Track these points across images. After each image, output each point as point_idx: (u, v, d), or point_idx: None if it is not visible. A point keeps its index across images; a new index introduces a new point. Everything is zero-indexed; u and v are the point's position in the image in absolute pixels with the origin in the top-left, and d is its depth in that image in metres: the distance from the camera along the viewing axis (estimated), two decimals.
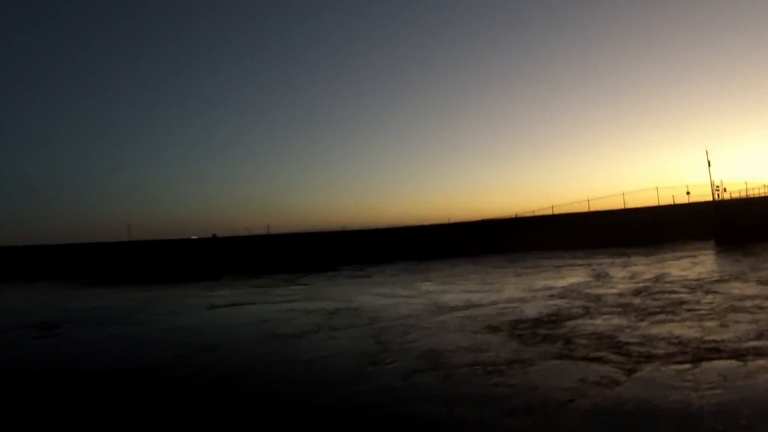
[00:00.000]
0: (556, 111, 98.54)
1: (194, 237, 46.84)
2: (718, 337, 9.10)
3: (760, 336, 9.03)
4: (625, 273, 20.57)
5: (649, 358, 8.14)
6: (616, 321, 11.25)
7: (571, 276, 20.71)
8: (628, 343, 9.09)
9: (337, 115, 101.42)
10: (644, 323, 10.84)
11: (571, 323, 11.31)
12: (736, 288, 14.84)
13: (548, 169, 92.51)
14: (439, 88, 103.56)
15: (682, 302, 13.02)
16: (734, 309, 11.67)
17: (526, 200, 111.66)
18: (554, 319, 11.92)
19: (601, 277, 19.83)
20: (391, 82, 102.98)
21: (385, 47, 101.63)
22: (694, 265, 21.94)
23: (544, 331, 10.70)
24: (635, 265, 23.52)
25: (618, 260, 26.28)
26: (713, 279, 17.19)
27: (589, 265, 24.78)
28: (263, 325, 13.86)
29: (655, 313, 11.80)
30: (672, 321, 10.85)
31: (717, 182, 40.04)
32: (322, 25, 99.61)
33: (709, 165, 39.83)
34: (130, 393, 8.22)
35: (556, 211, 47.57)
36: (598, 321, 11.40)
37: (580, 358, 8.44)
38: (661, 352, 8.43)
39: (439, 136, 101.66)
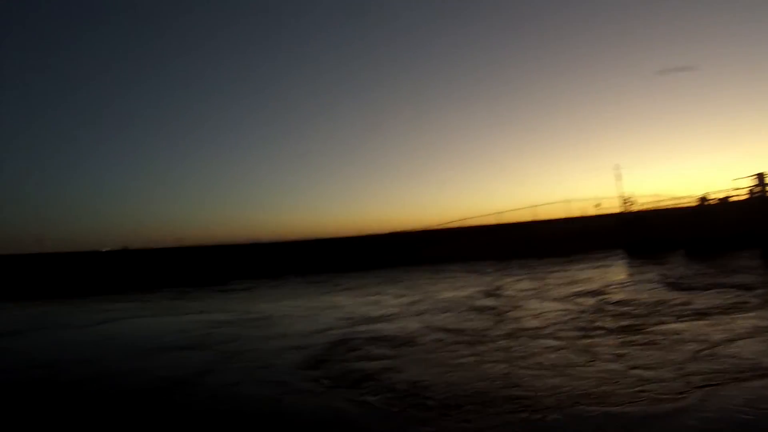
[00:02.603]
0: (470, 127, 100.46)
1: (105, 249, 45.54)
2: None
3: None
4: (517, 287, 20.59)
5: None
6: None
7: (468, 288, 21.04)
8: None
9: (240, 128, 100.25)
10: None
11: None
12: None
13: (460, 184, 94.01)
14: (352, 102, 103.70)
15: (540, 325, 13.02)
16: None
17: (438, 214, 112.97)
18: (422, 340, 11.79)
19: (491, 291, 19.67)
20: (300, 95, 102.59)
21: (287, 59, 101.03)
22: (594, 278, 21.91)
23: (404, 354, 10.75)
24: (531, 278, 23.61)
25: (520, 272, 26.60)
26: (610, 293, 16.80)
27: (498, 276, 25.28)
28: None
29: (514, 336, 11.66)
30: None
31: (627, 195, 41.51)
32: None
33: (619, 179, 41.37)
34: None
35: (468, 224, 48.14)
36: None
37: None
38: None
39: (352, 151, 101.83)
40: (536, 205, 47.80)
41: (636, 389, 7.09)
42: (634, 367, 8.08)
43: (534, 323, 12.41)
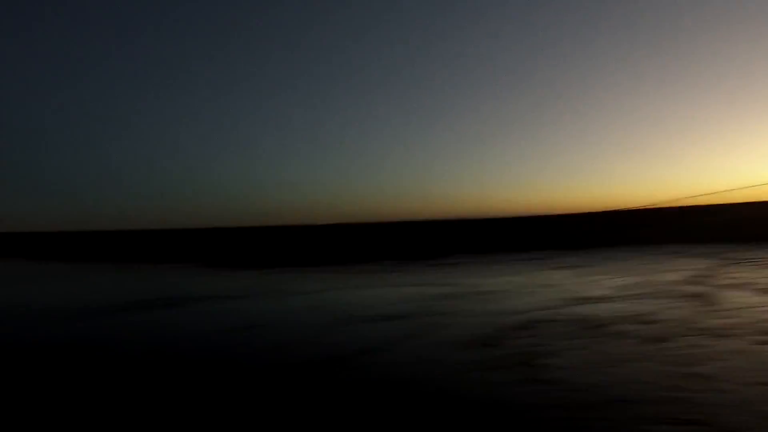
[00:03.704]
0: (688, 102, 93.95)
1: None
2: None
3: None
4: (732, 275, 19.05)
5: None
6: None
7: (684, 271, 20.40)
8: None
9: (471, 109, 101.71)
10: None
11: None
12: None
13: (673, 161, 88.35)
14: (562, 80, 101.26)
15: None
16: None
17: (650, 192, 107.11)
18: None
19: (701, 278, 18.59)
20: (517, 77, 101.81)
21: (506, 41, 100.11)
22: None
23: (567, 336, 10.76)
24: (748, 265, 21.78)
25: (739, 256, 25.00)
26: None
27: (715, 260, 24.06)
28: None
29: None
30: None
31: None
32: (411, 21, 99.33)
33: None
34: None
35: (684, 204, 45.61)
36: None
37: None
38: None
39: (563, 128, 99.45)
40: (762, 184, 44.65)
41: None
42: None
43: (731, 321, 11.37)
